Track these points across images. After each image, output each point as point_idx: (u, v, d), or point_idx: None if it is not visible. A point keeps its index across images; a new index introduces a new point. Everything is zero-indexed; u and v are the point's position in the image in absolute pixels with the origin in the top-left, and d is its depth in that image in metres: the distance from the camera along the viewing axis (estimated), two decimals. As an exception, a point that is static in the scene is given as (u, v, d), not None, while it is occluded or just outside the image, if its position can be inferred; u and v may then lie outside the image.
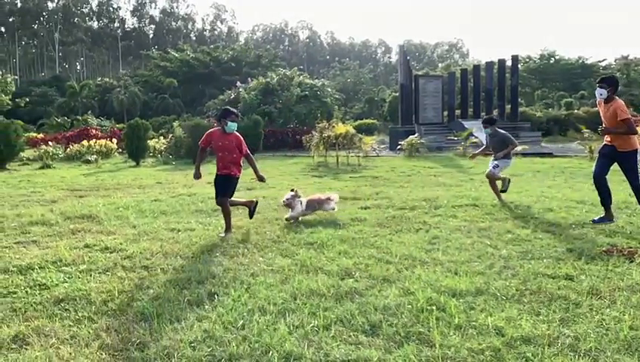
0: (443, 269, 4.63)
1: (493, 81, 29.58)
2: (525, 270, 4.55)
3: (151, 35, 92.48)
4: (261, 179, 6.56)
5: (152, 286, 4.27)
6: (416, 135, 22.20)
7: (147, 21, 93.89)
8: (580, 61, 53.79)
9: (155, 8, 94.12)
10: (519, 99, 33.16)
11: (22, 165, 17.90)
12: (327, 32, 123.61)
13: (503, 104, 29.40)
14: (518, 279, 4.31)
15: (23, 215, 7.53)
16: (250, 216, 6.79)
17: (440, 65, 79.83)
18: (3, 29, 80.00)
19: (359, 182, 11.74)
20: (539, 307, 3.70)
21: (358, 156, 17.66)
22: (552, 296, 3.91)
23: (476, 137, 22.89)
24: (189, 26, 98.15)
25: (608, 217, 6.39)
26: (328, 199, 7.23)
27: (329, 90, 32.76)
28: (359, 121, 37.64)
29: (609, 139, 6.42)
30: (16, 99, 47.26)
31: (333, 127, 18.44)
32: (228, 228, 6.29)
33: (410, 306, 3.71)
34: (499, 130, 8.36)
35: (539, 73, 54.54)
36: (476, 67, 31.95)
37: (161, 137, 23.51)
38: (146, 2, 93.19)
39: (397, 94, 35.69)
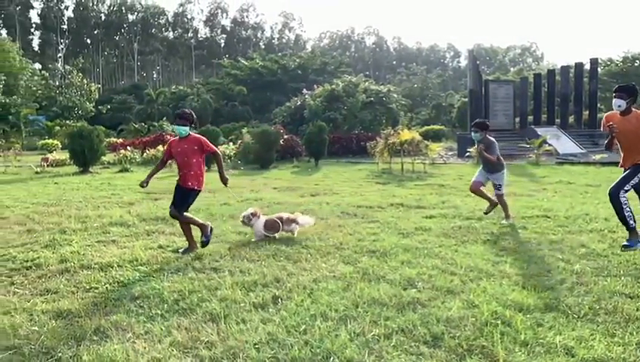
0: (510, 282, 4.49)
1: (570, 85, 28.20)
2: (600, 287, 4.32)
3: (222, 44, 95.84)
4: (224, 180, 6.05)
5: (220, 288, 4.44)
6: (485, 142, 21.54)
7: (219, 31, 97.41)
8: (669, 63, 50.08)
9: (226, 18, 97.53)
10: (599, 105, 31.37)
11: (103, 168, 19.12)
12: (394, 38, 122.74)
13: (580, 110, 27.95)
14: (591, 297, 4.10)
15: (104, 216, 8.07)
16: (182, 252, 5.76)
17: (512, 69, 77.02)
18: (89, 41, 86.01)
19: (424, 190, 11.57)
20: (614, 328, 3.51)
21: (424, 163, 17.40)
22: (629, 316, 3.69)
23: (550, 145, 21.92)
24: (259, 35, 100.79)
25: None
26: (289, 219, 6.40)
27: (395, 95, 32.54)
28: (426, 127, 37.06)
29: (624, 162, 5.63)
30: (99, 107, 50.84)
31: (399, 133, 18.30)
32: (202, 227, 5.86)
33: (473, 319, 3.63)
34: (489, 137, 7.60)
35: (621, 77, 51.16)
36: (551, 71, 30.55)
37: (231, 143, 24.28)
38: (217, 13, 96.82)
39: (466, 100, 34.83)
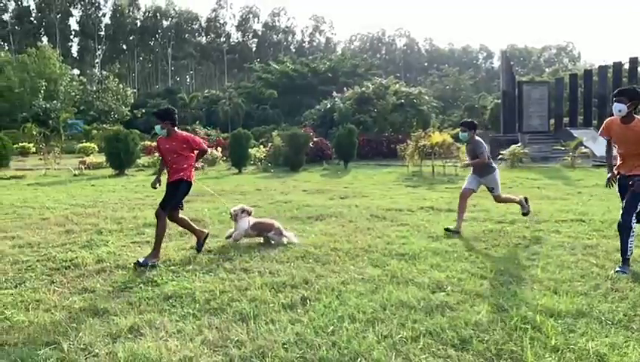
0: (541, 287, 4.42)
1: (608, 86, 27.41)
2: (636, 294, 4.21)
3: (254, 49, 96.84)
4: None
5: (249, 288, 4.52)
6: (519, 144, 21.17)
7: (250, 35, 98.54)
8: None
9: (257, 23, 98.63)
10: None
11: (138, 171, 19.59)
12: (426, 39, 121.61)
13: (619, 111, 27.09)
14: (626, 303, 4.01)
15: (139, 217, 8.29)
16: (198, 248, 5.93)
17: (547, 70, 75.18)
18: (125, 47, 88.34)
19: (455, 194, 11.38)
20: (649, 334, 3.42)
21: (456, 166, 17.21)
22: (666, 323, 3.59)
23: (586, 147, 21.36)
24: (289, 39, 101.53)
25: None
26: (277, 228, 6.33)
27: (426, 97, 32.27)
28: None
29: (621, 166, 5.25)
30: (135, 111, 52.10)
31: (429, 135, 18.15)
32: (155, 250, 5.50)
33: (502, 323, 3.60)
34: (476, 137, 7.29)
35: (662, 76, 49.53)
36: (587, 72, 29.76)
37: (262, 146, 24.53)
38: (249, 17, 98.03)
39: (499, 101, 34.26)
